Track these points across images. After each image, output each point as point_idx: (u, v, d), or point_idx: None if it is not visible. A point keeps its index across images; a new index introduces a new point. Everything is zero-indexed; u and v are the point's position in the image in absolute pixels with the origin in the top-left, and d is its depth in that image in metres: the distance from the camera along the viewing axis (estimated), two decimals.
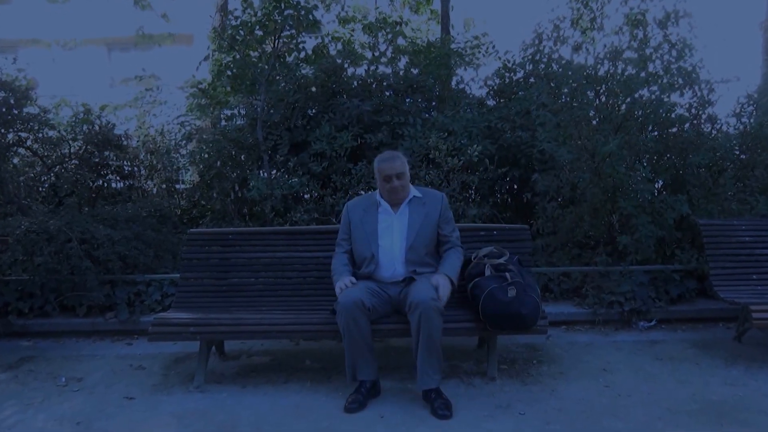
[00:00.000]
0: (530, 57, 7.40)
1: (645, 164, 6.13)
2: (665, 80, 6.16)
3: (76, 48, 15.28)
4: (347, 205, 4.44)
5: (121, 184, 7.78)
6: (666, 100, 6.13)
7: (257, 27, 7.35)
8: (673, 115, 6.26)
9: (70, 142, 7.28)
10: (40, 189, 7.23)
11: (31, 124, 6.75)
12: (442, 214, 4.24)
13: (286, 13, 7.08)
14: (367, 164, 6.54)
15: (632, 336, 5.26)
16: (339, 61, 7.55)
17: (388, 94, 7.39)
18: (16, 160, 7.26)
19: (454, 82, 8.15)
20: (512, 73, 7.83)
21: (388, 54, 8.27)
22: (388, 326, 4.05)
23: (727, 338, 5.13)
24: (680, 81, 6.20)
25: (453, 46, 8.08)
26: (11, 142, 6.73)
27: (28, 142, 7.07)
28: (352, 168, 6.61)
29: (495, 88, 7.93)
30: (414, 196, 4.25)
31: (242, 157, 7.42)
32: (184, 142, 7.82)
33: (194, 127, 7.86)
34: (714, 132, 6.38)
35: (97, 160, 7.26)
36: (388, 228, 4.20)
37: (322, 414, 3.75)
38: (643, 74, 6.08)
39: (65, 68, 18.01)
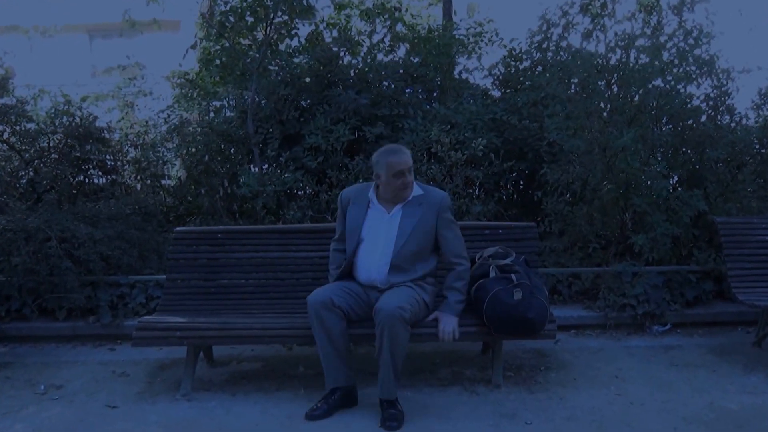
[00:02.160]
0: (537, 45, 7.40)
1: (660, 159, 6.13)
2: (681, 69, 6.16)
3: (55, 35, 15.22)
4: (341, 194, 4.30)
5: (104, 180, 7.73)
6: (682, 90, 6.12)
7: (247, 12, 7.32)
8: (689, 107, 6.25)
9: (50, 135, 7.23)
10: (18, 185, 7.19)
11: (7, 115, 6.72)
12: (440, 218, 4.04)
13: None
14: (365, 159, 6.53)
15: (645, 341, 5.27)
16: (335, 49, 7.53)
17: (386, 84, 7.37)
18: None
19: (456, 72, 8.13)
20: (518, 62, 7.81)
21: (387, 42, 8.25)
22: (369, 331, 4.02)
23: (746, 343, 5.13)
24: (696, 70, 6.19)
25: (455, 33, 8.06)
26: None
27: (5, 135, 7.03)
28: (348, 163, 6.60)
29: (500, 77, 7.92)
30: (413, 196, 4.08)
31: (232, 151, 7.41)
32: (171, 135, 7.79)
33: (181, 118, 7.83)
34: (733, 124, 6.38)
35: (77, 154, 7.22)
36: (376, 229, 4.06)
37: (316, 424, 3.76)
38: (657, 63, 6.07)
39: (44, 56, 17.95)
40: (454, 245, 4.10)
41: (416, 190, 4.10)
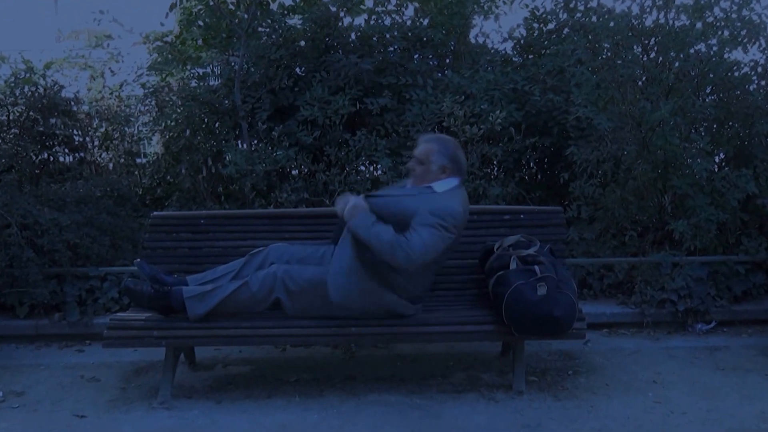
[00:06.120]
0: (564, 4, 7.33)
1: (702, 134, 6.09)
2: (726, 33, 6.11)
3: None
4: None
5: (71, 158, 7.73)
6: (727, 56, 6.07)
7: None
8: (735, 75, 6.21)
9: (9, 107, 7.22)
10: None
11: None
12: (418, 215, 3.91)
13: None
14: (367, 134, 6.49)
15: (688, 341, 5.26)
16: (333, 9, 7.47)
17: (392, 49, 7.32)
18: None
19: (472, 35, 8.08)
20: (543, 24, 7.75)
21: (393, 1, 8.20)
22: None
23: None
24: (744, 33, 6.14)
25: None
26: None
27: None
28: (349, 138, 6.56)
29: (522, 42, 7.86)
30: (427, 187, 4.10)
31: (216, 124, 7.37)
32: (146, 106, 7.76)
33: (159, 86, 7.80)
34: None
35: (41, 128, 7.21)
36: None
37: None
38: (699, 25, 6.02)
39: (3, 18, 17.93)
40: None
41: (435, 187, 4.09)
